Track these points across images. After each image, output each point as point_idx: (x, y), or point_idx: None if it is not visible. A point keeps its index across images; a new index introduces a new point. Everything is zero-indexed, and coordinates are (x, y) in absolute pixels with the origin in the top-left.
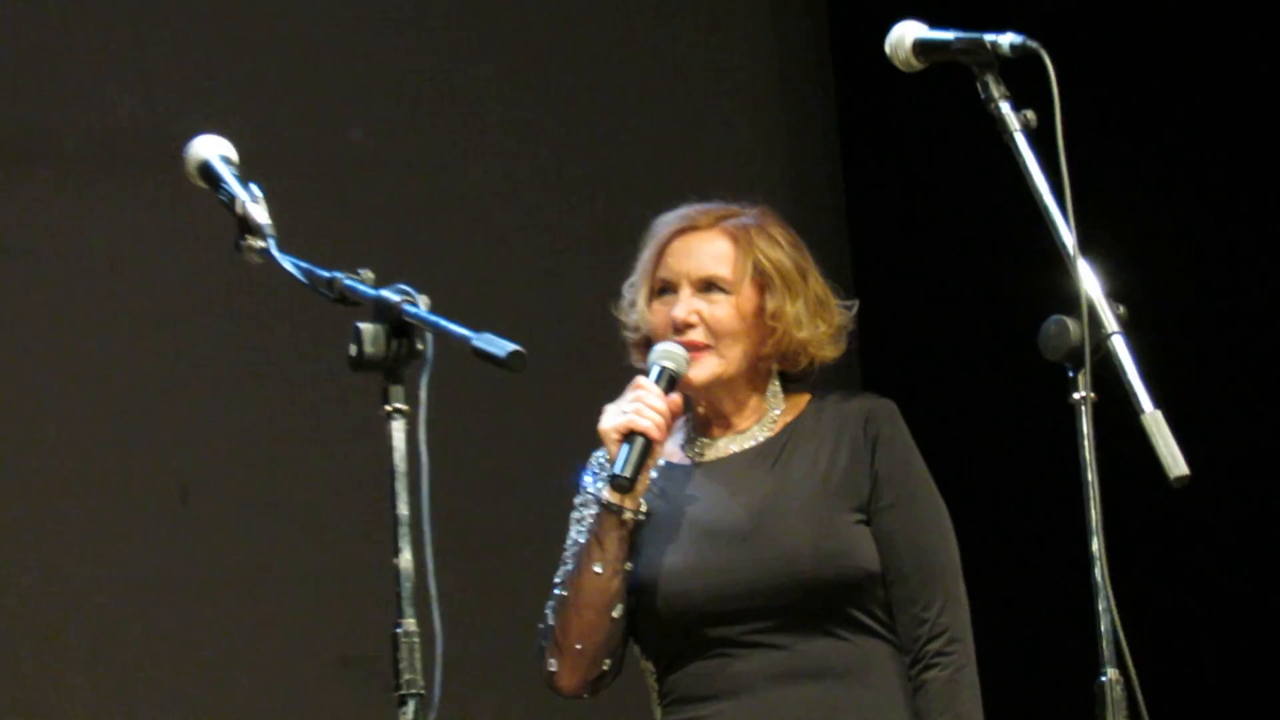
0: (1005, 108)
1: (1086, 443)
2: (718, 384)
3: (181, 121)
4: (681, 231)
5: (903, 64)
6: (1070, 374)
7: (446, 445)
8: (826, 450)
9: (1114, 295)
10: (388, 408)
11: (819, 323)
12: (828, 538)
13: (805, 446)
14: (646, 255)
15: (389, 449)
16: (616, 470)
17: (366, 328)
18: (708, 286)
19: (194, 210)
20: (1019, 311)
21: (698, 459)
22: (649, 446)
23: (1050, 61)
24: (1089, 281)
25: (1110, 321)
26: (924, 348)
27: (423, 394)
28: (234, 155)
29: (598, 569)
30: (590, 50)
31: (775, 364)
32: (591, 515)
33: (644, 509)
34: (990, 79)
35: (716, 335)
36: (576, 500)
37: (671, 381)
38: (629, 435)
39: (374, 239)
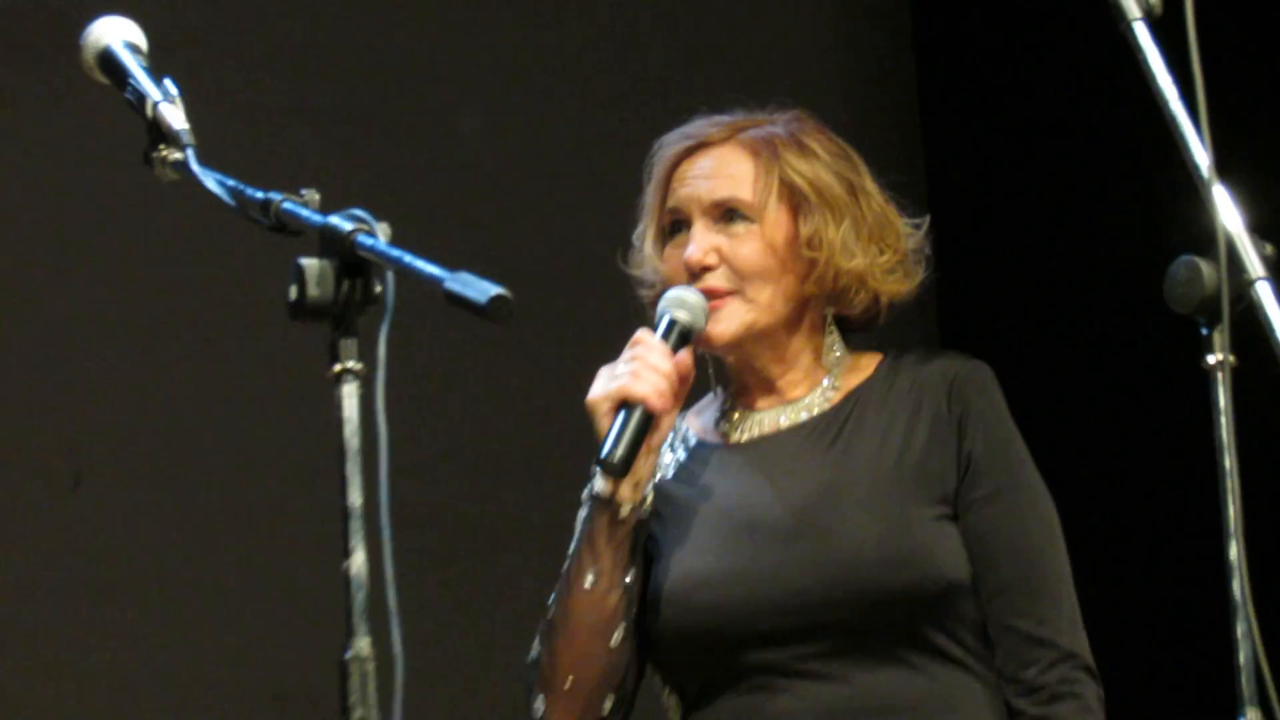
0: None
1: (1224, 419)
2: (750, 338)
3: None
4: (689, 151)
5: None
6: (1204, 331)
7: (412, 416)
8: (900, 425)
9: (1259, 231)
10: (337, 367)
11: (877, 248)
12: (899, 536)
13: (873, 420)
14: (650, 187)
15: (338, 420)
16: (605, 449)
17: (310, 264)
18: (726, 216)
19: (89, 112)
20: (1138, 251)
21: (733, 437)
22: (649, 419)
23: None
24: (1228, 213)
25: (1255, 264)
26: (1017, 297)
27: (381, 350)
28: (143, 42)
29: (589, 581)
30: None
31: (829, 308)
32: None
33: (648, 503)
34: None
35: (742, 276)
36: (583, 495)
37: (684, 338)
38: (623, 405)
39: (328, 158)
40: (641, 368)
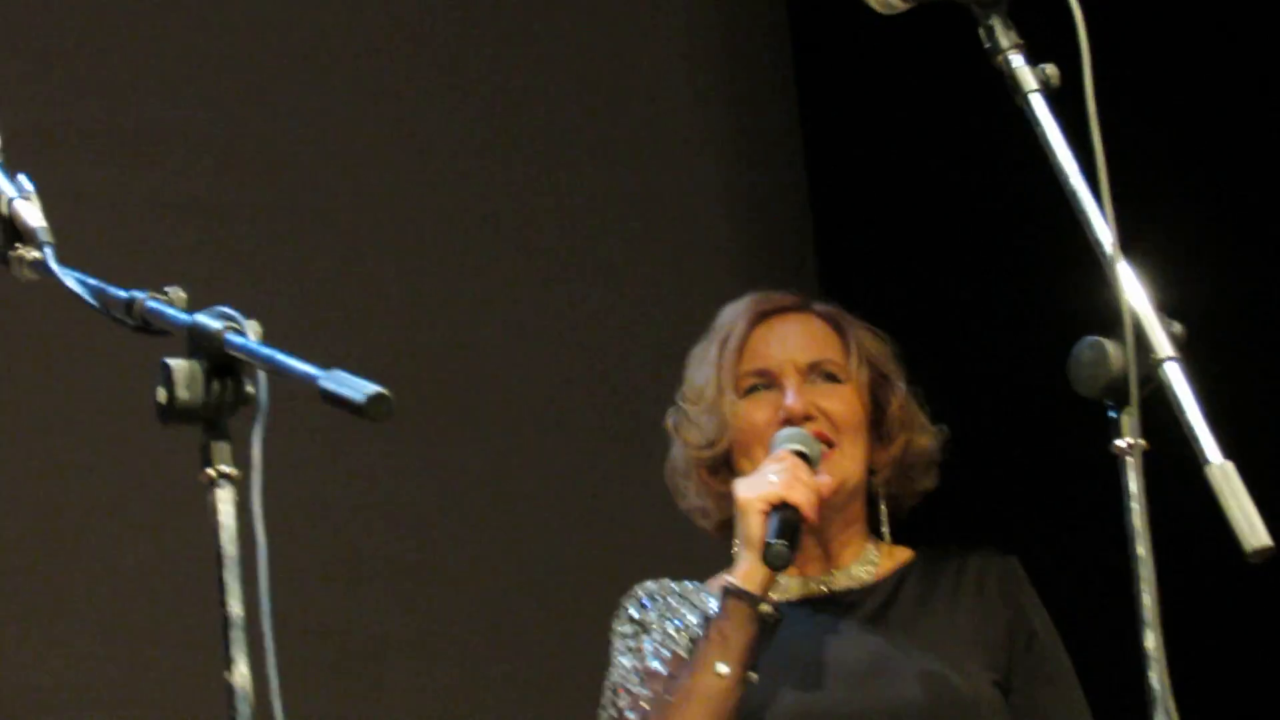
0: (1017, 62)
1: (1136, 505)
2: (841, 493)
3: None
4: (766, 315)
5: (881, 3)
6: (1112, 414)
7: (292, 520)
8: (946, 599)
9: (1168, 310)
10: (210, 472)
11: (929, 439)
12: (953, 683)
13: (923, 597)
14: (721, 350)
15: (214, 527)
16: (771, 537)
17: (179, 365)
18: (820, 377)
19: None
20: (1042, 333)
21: (775, 595)
22: (800, 524)
23: None
24: (1133, 291)
25: (1163, 343)
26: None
27: (256, 452)
28: None
29: (722, 669)
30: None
31: (882, 488)
32: (700, 620)
33: (778, 612)
34: (997, 23)
35: (838, 429)
36: (619, 628)
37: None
38: (777, 507)
39: (194, 252)
40: (795, 479)
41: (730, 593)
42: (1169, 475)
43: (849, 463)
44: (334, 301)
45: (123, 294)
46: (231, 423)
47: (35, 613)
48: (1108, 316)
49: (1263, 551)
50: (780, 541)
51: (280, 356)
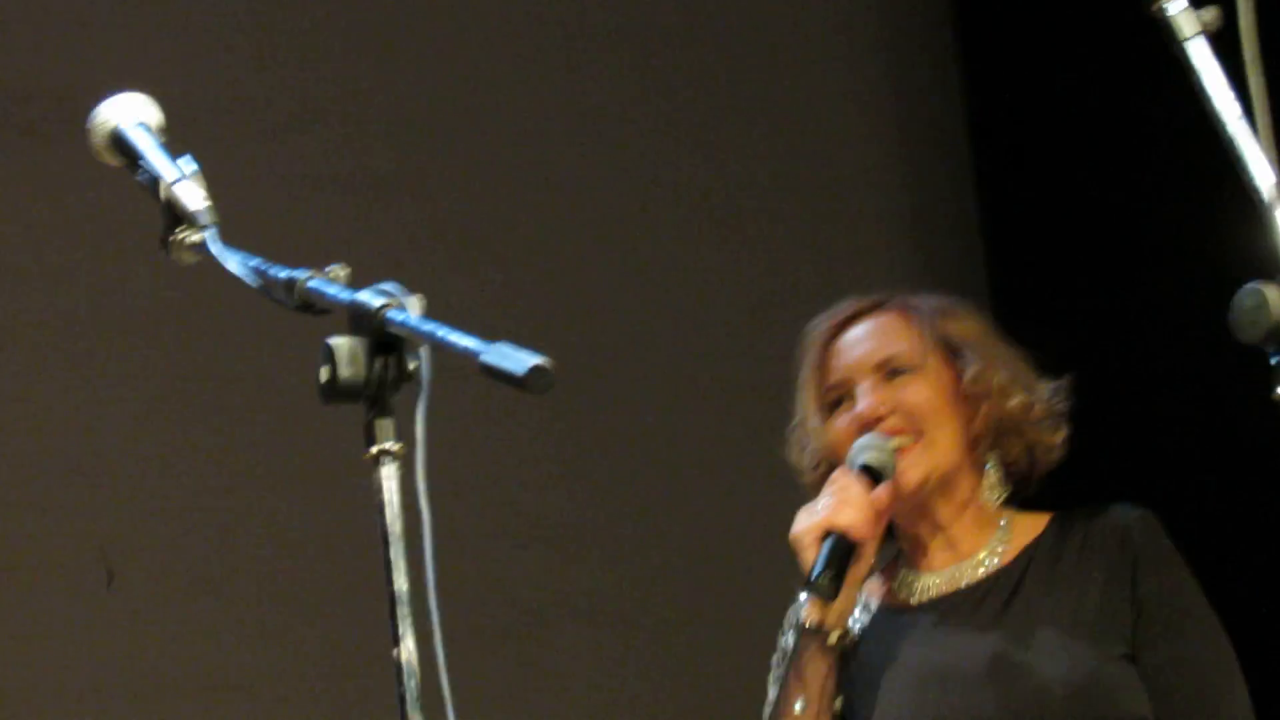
0: (1174, 8)
1: None
2: (934, 483)
3: (87, 78)
4: (840, 326)
5: None
6: (1274, 361)
7: (457, 494)
8: (1077, 578)
9: None
10: (374, 449)
11: (1030, 395)
12: (1083, 676)
13: (1050, 575)
14: (805, 371)
15: (379, 505)
16: (814, 573)
17: (341, 344)
18: (890, 373)
19: (106, 195)
20: (1204, 281)
21: (913, 600)
22: (852, 547)
23: None
24: None
25: None
26: (1080, 330)
27: (420, 428)
28: (158, 119)
29: (799, 708)
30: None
31: (991, 454)
32: (787, 651)
33: (854, 634)
34: None
35: (917, 419)
36: (785, 623)
37: (876, 478)
38: (827, 535)
39: (358, 227)
40: (842, 501)
41: (800, 630)
42: None
43: (936, 451)
44: (498, 274)
45: (284, 273)
46: (394, 399)
47: (198, 594)
48: (1269, 264)
49: None
50: (823, 574)
51: (441, 331)
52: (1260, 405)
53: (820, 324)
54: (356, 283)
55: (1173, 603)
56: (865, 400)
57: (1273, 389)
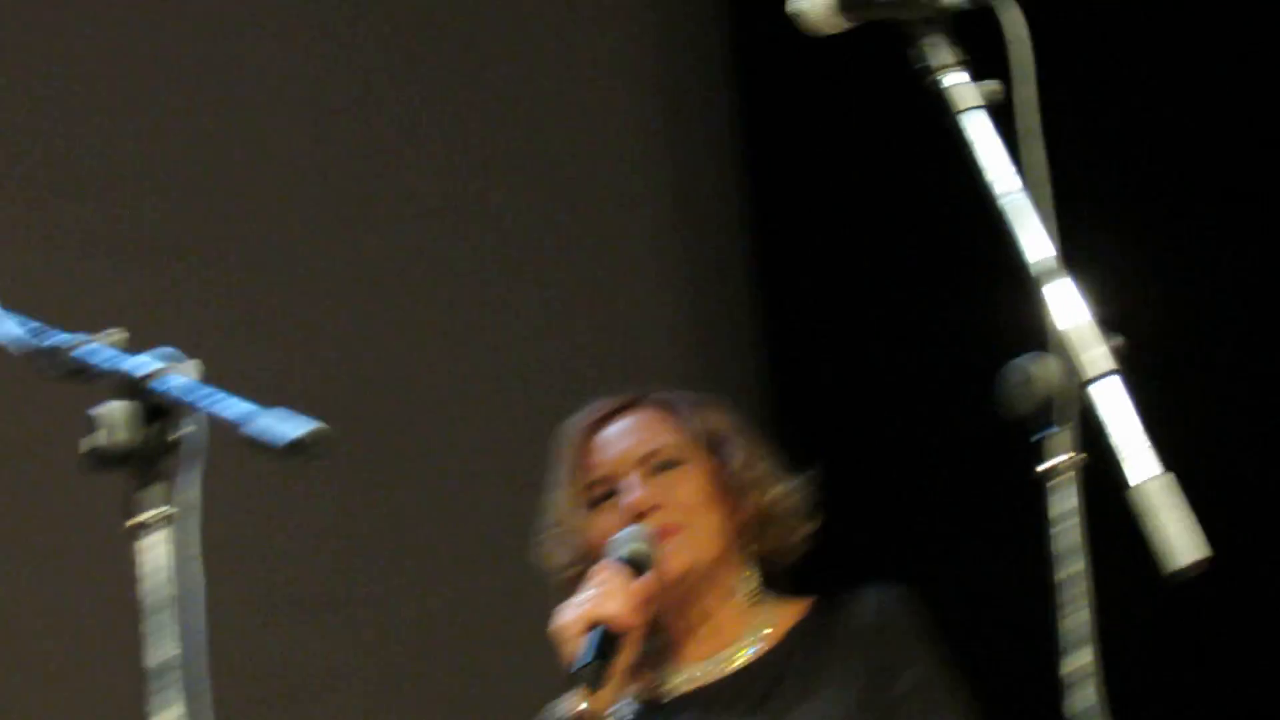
0: (950, 80)
1: (1071, 521)
2: (698, 571)
3: None
4: (597, 424)
5: (818, 23)
6: (1046, 431)
7: (230, 557)
8: (839, 673)
9: (1106, 323)
10: (135, 519)
11: (786, 488)
12: None
13: (812, 668)
14: (562, 470)
15: (142, 575)
16: (579, 663)
17: (111, 408)
18: (657, 467)
19: None
20: (977, 356)
21: (674, 693)
22: (616, 638)
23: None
24: (1070, 307)
25: (1093, 361)
26: (852, 403)
27: (193, 494)
28: None
29: None
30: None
31: (752, 545)
32: None
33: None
34: (936, 41)
35: (684, 512)
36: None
37: (639, 568)
38: (592, 626)
39: (139, 287)
40: (605, 593)
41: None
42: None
43: (696, 543)
44: (276, 338)
45: (56, 339)
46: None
47: None
48: (1039, 337)
49: (1195, 566)
50: (590, 664)
51: (208, 398)
52: (1021, 480)
53: (576, 422)
54: (133, 348)
55: (928, 696)
56: (635, 493)
57: (1034, 466)
